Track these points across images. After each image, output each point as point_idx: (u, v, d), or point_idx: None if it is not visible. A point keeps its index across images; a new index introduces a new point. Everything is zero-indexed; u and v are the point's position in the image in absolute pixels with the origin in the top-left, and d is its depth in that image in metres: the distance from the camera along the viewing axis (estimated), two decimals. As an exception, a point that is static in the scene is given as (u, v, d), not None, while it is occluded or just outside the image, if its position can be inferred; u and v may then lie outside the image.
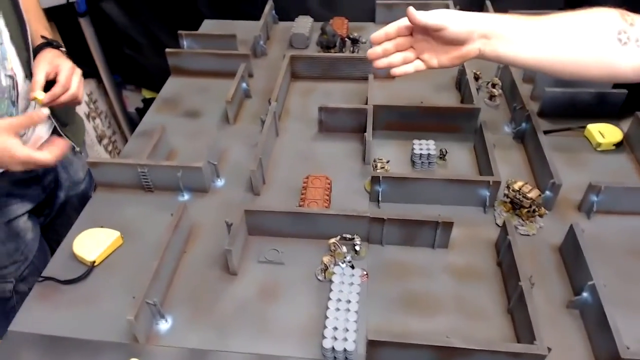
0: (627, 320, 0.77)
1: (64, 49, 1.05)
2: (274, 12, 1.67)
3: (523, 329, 0.77)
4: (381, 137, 1.19)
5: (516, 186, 0.94)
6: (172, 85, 1.44)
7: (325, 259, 0.87)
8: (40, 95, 0.93)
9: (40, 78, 0.94)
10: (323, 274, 0.88)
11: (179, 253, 0.93)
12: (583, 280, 0.81)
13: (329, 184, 1.03)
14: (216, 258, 0.93)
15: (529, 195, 0.92)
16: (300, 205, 0.98)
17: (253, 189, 1.06)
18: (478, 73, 1.35)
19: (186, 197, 1.06)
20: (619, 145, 1.15)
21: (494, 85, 1.31)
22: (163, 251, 0.85)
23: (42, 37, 1.04)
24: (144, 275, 0.81)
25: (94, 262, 0.91)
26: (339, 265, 0.87)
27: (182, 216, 0.93)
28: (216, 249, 0.94)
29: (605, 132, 1.16)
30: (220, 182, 1.10)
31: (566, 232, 0.91)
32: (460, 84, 1.35)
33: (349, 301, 0.81)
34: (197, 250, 0.95)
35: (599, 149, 1.15)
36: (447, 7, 1.60)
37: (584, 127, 1.20)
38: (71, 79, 0.98)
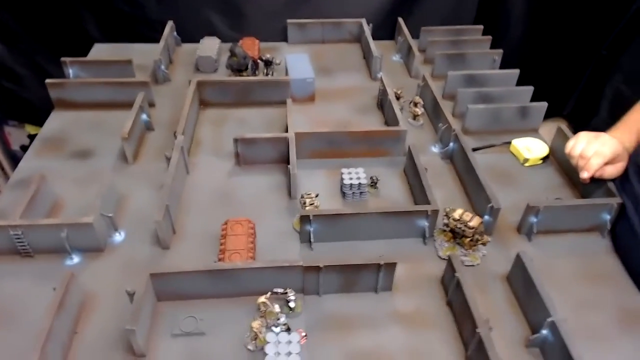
0: (592, 353, 0.71)
1: None
2: (175, 33, 1.51)
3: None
4: (306, 167, 1.08)
5: (456, 215, 0.86)
6: (57, 120, 1.23)
7: (255, 325, 0.73)
8: None
9: None
10: (254, 342, 0.73)
11: (68, 336, 0.74)
12: (540, 316, 0.74)
13: (252, 228, 0.89)
14: (118, 337, 0.75)
15: (471, 224, 0.85)
16: (219, 259, 0.82)
17: (160, 243, 0.89)
18: (399, 92, 1.29)
19: (76, 259, 0.87)
20: (545, 159, 1.13)
21: (416, 105, 1.25)
22: (44, 340, 0.66)
23: None
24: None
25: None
26: (271, 330, 0.74)
27: (69, 289, 0.74)
28: (117, 324, 0.76)
29: (531, 147, 1.14)
30: (119, 237, 0.91)
31: (512, 259, 0.85)
32: (382, 104, 1.28)
33: (288, 377, 0.67)
34: (93, 329, 0.77)
35: (526, 165, 1.13)
36: (360, 25, 1.55)
37: (509, 143, 1.17)
38: None
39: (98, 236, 0.86)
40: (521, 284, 0.82)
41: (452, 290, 0.79)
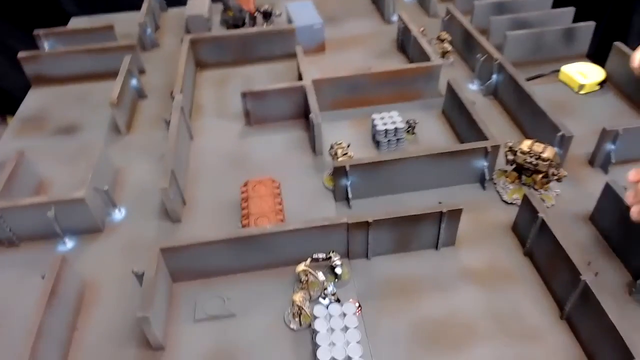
0: None
1: None
2: (159, -5, 1.35)
3: (599, 341, 0.53)
4: (329, 119, 0.92)
5: (524, 147, 0.71)
6: (35, 98, 1.07)
7: (297, 298, 0.58)
8: None
9: None
10: (297, 319, 0.58)
11: (66, 332, 0.59)
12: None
13: (277, 187, 0.74)
14: (128, 329, 0.60)
15: (544, 154, 0.70)
16: (243, 226, 0.67)
17: (169, 215, 0.73)
18: (422, 30, 1.13)
19: (70, 244, 0.71)
20: (602, 84, 0.98)
21: (442, 41, 1.09)
22: (34, 337, 0.51)
23: None
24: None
25: None
26: (319, 302, 0.59)
27: (61, 276, 0.59)
28: (126, 315, 0.61)
29: (585, 72, 0.98)
30: (119, 214, 0.76)
31: (590, 196, 0.70)
32: (404, 44, 1.12)
33: (349, 358, 0.52)
34: (96, 322, 0.62)
35: (582, 92, 0.97)
36: None
37: (558, 71, 1.01)
38: None
39: (93, 214, 0.71)
40: (614, 222, 0.67)
41: (533, 236, 0.64)
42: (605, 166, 0.79)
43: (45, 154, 0.89)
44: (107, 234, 0.73)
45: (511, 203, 0.74)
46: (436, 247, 0.68)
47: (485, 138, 0.76)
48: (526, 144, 0.71)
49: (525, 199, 0.65)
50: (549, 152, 0.70)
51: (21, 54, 1.06)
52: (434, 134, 0.90)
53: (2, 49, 1.44)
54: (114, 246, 0.71)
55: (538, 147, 0.70)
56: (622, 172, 0.78)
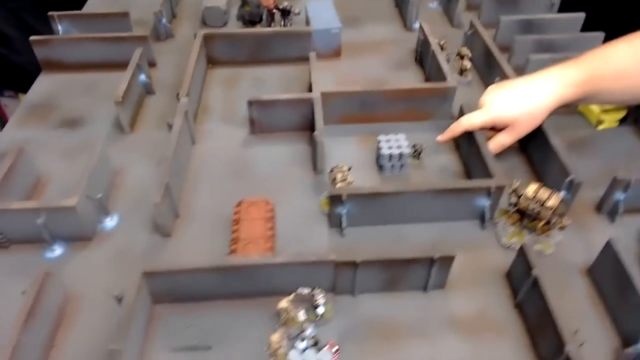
0: None
1: None
2: (178, -19, 1.32)
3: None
4: (335, 134, 0.90)
5: (529, 192, 0.68)
6: (44, 84, 1.07)
7: (275, 338, 0.57)
8: None
9: None
10: (273, 359, 0.58)
11: (43, 352, 0.59)
12: (636, 324, 0.57)
13: (270, 210, 0.72)
14: (105, 350, 0.60)
15: (549, 203, 0.67)
16: (231, 251, 0.66)
17: (159, 230, 0.73)
18: (442, 43, 1.08)
19: (58, 251, 0.72)
20: (623, 120, 0.93)
21: (462, 57, 1.05)
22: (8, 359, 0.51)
23: None
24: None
25: None
26: (295, 347, 0.58)
27: (43, 294, 0.59)
28: (105, 334, 0.61)
29: (606, 106, 0.93)
30: (111, 222, 0.76)
31: (593, 246, 0.68)
32: (422, 57, 1.08)
33: (319, 408, 0.52)
34: (75, 340, 0.62)
35: (600, 128, 0.93)
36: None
37: (579, 101, 0.96)
38: None
39: (83, 222, 0.70)
40: (610, 280, 0.64)
41: (525, 290, 0.62)
42: (612, 215, 0.75)
43: (47, 148, 0.89)
44: (97, 242, 0.73)
45: (509, 247, 0.72)
46: (425, 289, 0.66)
47: (490, 175, 0.74)
48: (531, 189, 0.68)
49: (521, 251, 0.63)
50: (553, 201, 0.67)
51: (33, 38, 1.05)
52: (441, 160, 0.87)
53: (20, 26, 1.44)
54: (101, 256, 0.71)
55: (543, 193, 0.67)
56: (630, 222, 0.75)
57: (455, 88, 0.91)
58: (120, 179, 0.84)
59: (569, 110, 0.96)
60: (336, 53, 1.13)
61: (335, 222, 0.74)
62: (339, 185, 0.75)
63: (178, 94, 0.89)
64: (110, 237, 0.74)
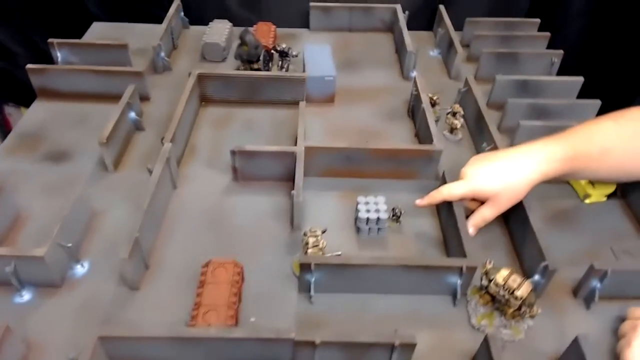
0: None
1: None
2: (182, 13, 1.33)
3: None
4: (317, 187, 0.90)
5: (499, 278, 0.67)
6: (38, 112, 1.07)
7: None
8: None
9: None
10: None
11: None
12: None
13: (238, 273, 0.72)
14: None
15: (518, 293, 0.66)
16: (192, 317, 0.66)
17: (127, 284, 0.73)
18: (435, 98, 1.08)
19: (26, 297, 0.71)
20: (612, 195, 0.92)
21: (454, 115, 1.05)
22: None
23: None
24: None
25: None
26: None
27: (1, 349, 0.59)
28: (60, 394, 0.61)
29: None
30: (82, 269, 0.76)
31: (565, 334, 0.68)
32: (415, 111, 1.08)
33: None
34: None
35: (587, 201, 0.92)
36: (394, 12, 1.33)
37: (567, 172, 0.95)
38: None
39: (52, 271, 0.70)
40: (578, 377, 0.63)
41: (487, 382, 0.61)
42: (588, 302, 0.74)
43: (30, 181, 0.90)
44: (65, 289, 0.73)
45: (478, 329, 0.70)
46: (386, 370, 0.65)
47: (464, 253, 0.73)
48: (502, 276, 0.67)
49: (485, 342, 0.62)
50: (523, 290, 0.65)
51: (29, 66, 1.06)
52: (420, 225, 0.86)
53: (25, 43, 1.45)
54: (68, 306, 0.71)
55: (513, 281, 0.66)
56: (606, 310, 0.74)
57: (440, 152, 0.90)
58: (98, 222, 0.84)
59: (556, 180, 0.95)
60: (329, 99, 1.13)
61: (304, 287, 0.74)
62: (310, 250, 0.74)
63: (163, 139, 0.90)
64: (79, 285, 0.74)
